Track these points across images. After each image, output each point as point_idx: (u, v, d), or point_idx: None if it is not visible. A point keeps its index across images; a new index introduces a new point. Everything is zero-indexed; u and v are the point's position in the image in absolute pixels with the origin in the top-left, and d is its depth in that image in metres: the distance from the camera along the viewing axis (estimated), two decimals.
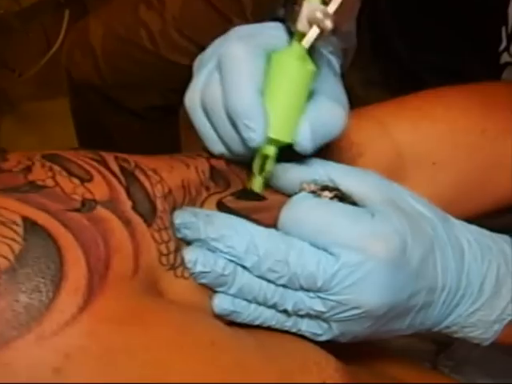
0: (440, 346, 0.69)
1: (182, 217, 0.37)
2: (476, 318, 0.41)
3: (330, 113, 0.39)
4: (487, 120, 0.51)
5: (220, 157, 0.42)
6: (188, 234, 0.37)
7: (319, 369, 0.38)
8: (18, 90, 1.53)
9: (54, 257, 0.30)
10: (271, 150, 0.39)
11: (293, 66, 0.38)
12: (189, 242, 0.38)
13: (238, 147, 0.40)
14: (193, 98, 0.40)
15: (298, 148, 0.39)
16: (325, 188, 0.39)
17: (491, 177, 0.51)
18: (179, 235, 0.37)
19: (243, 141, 0.38)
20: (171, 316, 0.34)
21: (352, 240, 0.36)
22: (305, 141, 0.39)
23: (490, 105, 0.52)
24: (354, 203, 0.39)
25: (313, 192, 0.39)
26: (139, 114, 1.05)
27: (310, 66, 0.38)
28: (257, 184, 0.41)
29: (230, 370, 0.34)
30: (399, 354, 0.62)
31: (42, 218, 0.31)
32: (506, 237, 0.43)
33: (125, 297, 0.32)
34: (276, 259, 0.36)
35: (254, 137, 0.37)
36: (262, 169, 0.40)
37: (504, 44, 0.65)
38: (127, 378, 0.31)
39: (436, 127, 0.50)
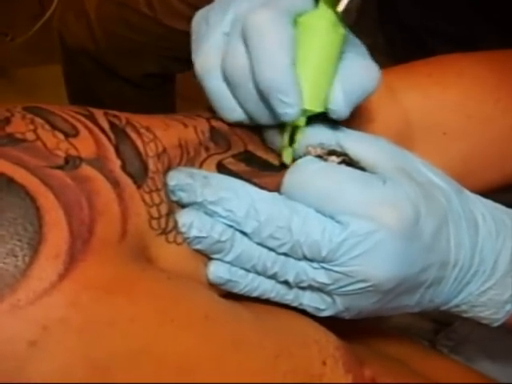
0: (440, 325, 0.68)
1: (177, 178, 0.35)
2: (487, 297, 0.39)
3: (363, 69, 0.37)
4: (500, 90, 0.49)
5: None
6: (183, 196, 0.34)
7: (319, 347, 0.36)
8: (9, 55, 1.49)
9: (31, 218, 0.27)
10: (302, 121, 0.37)
11: (325, 31, 0.36)
12: (184, 206, 0.35)
13: (266, 120, 0.38)
14: (209, 65, 0.38)
15: (333, 115, 0.37)
16: (332, 152, 0.37)
17: (503, 150, 0.49)
18: (174, 198, 0.35)
19: (276, 115, 0.36)
20: (161, 285, 0.31)
21: (361, 207, 0.34)
22: (339, 107, 0.37)
23: (503, 74, 0.50)
24: (362, 170, 0.37)
25: (319, 156, 0.37)
26: (134, 82, 1.03)
27: (342, 30, 0.36)
28: (288, 156, 0.39)
29: (224, 345, 0.32)
30: (398, 332, 0.60)
31: (19, 174, 0.28)
32: None
33: (110, 264, 0.29)
34: (278, 225, 0.34)
35: (291, 112, 0.35)
36: (291, 140, 0.38)
37: None
38: (111, 353, 0.28)
39: (447, 95, 0.48)
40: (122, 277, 0.29)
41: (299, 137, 0.38)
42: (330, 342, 0.37)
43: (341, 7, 0.36)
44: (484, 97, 0.48)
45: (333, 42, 0.36)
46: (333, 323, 0.38)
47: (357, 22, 0.72)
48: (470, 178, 0.49)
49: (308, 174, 0.35)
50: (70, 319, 0.27)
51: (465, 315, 0.41)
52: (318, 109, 0.37)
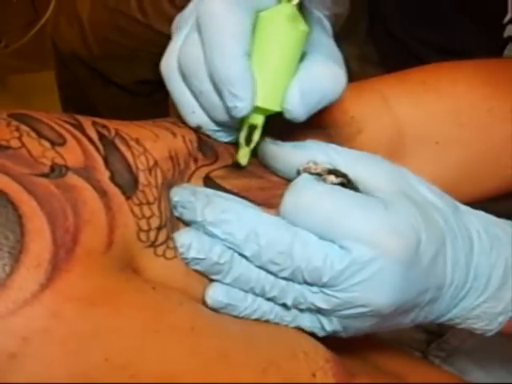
0: (432, 336, 0.67)
1: (180, 194, 0.34)
2: (481, 310, 0.39)
3: (324, 73, 0.36)
4: (494, 98, 0.48)
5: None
6: (184, 213, 0.34)
7: (308, 359, 0.35)
8: (3, 62, 1.49)
9: (13, 226, 0.27)
10: (259, 119, 0.36)
11: (283, 26, 0.34)
12: (186, 223, 0.35)
13: (222, 116, 0.36)
14: (169, 63, 0.37)
15: (288, 116, 0.36)
16: (332, 172, 0.36)
17: (497, 159, 0.48)
18: (176, 213, 0.34)
19: (228, 110, 0.35)
20: (147, 297, 0.31)
21: (365, 233, 0.33)
22: (295, 107, 0.35)
23: (496, 82, 0.49)
24: (359, 191, 0.36)
25: (318, 174, 0.36)
26: (127, 88, 1.02)
27: (302, 26, 0.35)
28: (243, 156, 0.37)
29: (210, 357, 0.31)
30: (389, 342, 0.60)
31: (1, 181, 0.28)
32: None
33: (94, 274, 0.28)
34: (279, 250, 0.33)
35: (241, 106, 0.34)
36: (248, 139, 0.37)
37: (510, 15, 0.62)
38: (94, 365, 0.27)
39: (440, 103, 0.48)
40: (107, 288, 0.29)
41: (256, 137, 0.37)
42: (320, 354, 0.36)
43: (295, 1, 0.34)
44: (477, 105, 0.48)
45: (291, 38, 0.35)
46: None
47: (347, 32, 0.72)
48: (464, 187, 0.48)
49: (310, 197, 0.34)
50: (51, 331, 0.26)
51: (458, 326, 0.41)
52: (274, 107, 0.35)
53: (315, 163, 0.36)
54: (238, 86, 0.34)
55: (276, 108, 0.35)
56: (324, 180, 0.35)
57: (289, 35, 0.34)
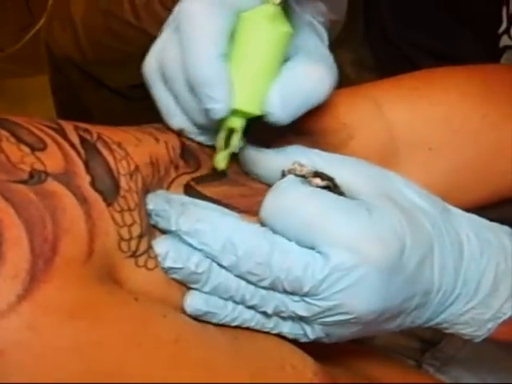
0: (426, 344, 0.67)
1: (154, 202, 0.33)
2: (469, 316, 0.38)
3: (307, 75, 0.35)
4: (487, 104, 0.48)
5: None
6: (159, 222, 0.33)
7: (296, 372, 0.35)
8: None
9: None
10: (238, 123, 0.35)
11: (264, 26, 0.33)
12: (162, 230, 0.34)
13: (200, 119, 0.36)
14: (149, 66, 0.36)
15: (268, 119, 0.35)
16: (317, 175, 0.35)
17: (491, 166, 0.48)
18: (151, 222, 0.33)
19: (205, 112, 0.34)
20: (129, 309, 0.30)
21: (346, 239, 0.32)
22: (275, 110, 0.35)
23: (490, 88, 0.49)
24: (343, 195, 0.35)
25: (303, 176, 0.35)
26: (121, 93, 1.01)
27: (285, 28, 0.34)
28: (221, 160, 0.36)
29: (194, 371, 0.31)
30: (383, 351, 0.59)
31: None
32: (506, 228, 0.40)
33: (74, 285, 0.27)
34: (257, 261, 0.32)
35: (217, 108, 0.33)
36: (227, 143, 0.36)
37: (504, 26, 0.62)
38: (74, 380, 0.27)
39: (434, 110, 0.47)
40: (87, 300, 0.28)
41: (235, 141, 0.36)
42: (308, 367, 0.36)
43: (276, 1, 0.33)
44: (471, 111, 0.47)
45: (272, 39, 0.34)
46: (311, 345, 0.37)
47: (343, 37, 0.71)
48: (457, 194, 0.48)
49: (290, 200, 0.33)
50: (28, 343, 0.26)
51: (446, 331, 0.40)
52: (253, 110, 0.34)
53: (301, 165, 0.35)
54: (213, 88, 0.33)
55: (255, 111, 0.35)
56: (309, 183, 0.35)
57: (269, 36, 0.34)
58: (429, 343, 0.66)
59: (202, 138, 0.38)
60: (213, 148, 0.38)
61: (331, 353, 0.39)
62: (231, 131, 0.35)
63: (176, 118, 0.37)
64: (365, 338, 0.57)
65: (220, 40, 0.33)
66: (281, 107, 0.34)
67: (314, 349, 0.37)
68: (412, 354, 0.66)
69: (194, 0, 0.33)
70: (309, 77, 0.35)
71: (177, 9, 0.36)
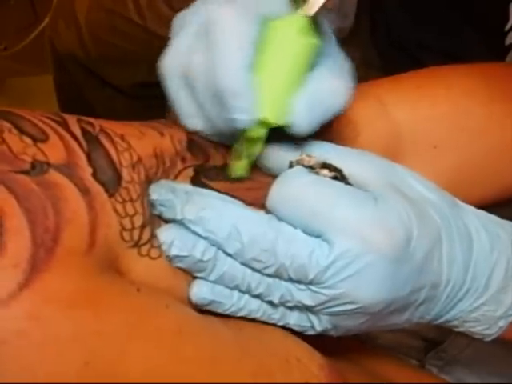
0: (430, 344, 0.66)
1: (158, 192, 0.33)
2: (480, 313, 0.38)
3: (330, 87, 0.35)
4: (493, 103, 0.48)
5: None
6: (164, 211, 0.33)
7: (301, 366, 0.34)
8: (2, 64, 1.48)
9: None
10: (261, 133, 0.35)
11: (293, 39, 0.33)
12: (166, 220, 0.34)
13: (222, 125, 0.35)
14: (171, 65, 0.36)
15: (293, 130, 0.35)
16: (325, 166, 0.35)
17: (496, 163, 0.48)
18: (155, 212, 0.33)
19: (228, 121, 0.34)
20: (131, 299, 0.30)
21: (352, 227, 0.32)
22: (301, 122, 0.34)
23: (493, 85, 0.49)
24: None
25: (311, 167, 0.35)
26: (125, 91, 1.01)
27: (313, 40, 0.34)
28: (241, 168, 0.36)
29: (198, 363, 0.31)
30: (386, 350, 0.59)
31: None
32: None
33: (75, 275, 0.27)
34: (262, 248, 0.32)
35: (242, 118, 0.33)
36: (247, 151, 0.36)
37: (511, 23, 0.61)
38: (74, 370, 0.26)
39: (437, 108, 0.47)
40: (88, 289, 0.28)
41: (256, 150, 0.35)
42: (314, 361, 0.35)
43: (311, 10, 0.33)
44: (475, 109, 0.47)
45: (300, 51, 0.34)
46: (318, 339, 0.37)
47: (349, 36, 0.71)
48: (462, 192, 0.47)
49: (296, 187, 0.33)
50: (29, 333, 0.25)
51: (456, 329, 0.40)
52: (277, 121, 0.34)
53: (309, 155, 0.35)
54: (238, 97, 0.33)
55: (280, 122, 0.34)
56: (317, 173, 0.34)
57: (299, 49, 0.34)
58: (432, 343, 0.66)
59: (214, 138, 0.38)
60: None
61: (338, 349, 0.39)
62: (253, 140, 0.35)
63: (192, 120, 0.37)
64: (369, 336, 0.57)
65: (249, 49, 0.33)
66: (306, 119, 0.34)
67: (322, 344, 0.37)
68: (415, 354, 0.66)
69: (222, 3, 0.33)
70: (333, 90, 0.35)
71: (192, 9, 0.36)
